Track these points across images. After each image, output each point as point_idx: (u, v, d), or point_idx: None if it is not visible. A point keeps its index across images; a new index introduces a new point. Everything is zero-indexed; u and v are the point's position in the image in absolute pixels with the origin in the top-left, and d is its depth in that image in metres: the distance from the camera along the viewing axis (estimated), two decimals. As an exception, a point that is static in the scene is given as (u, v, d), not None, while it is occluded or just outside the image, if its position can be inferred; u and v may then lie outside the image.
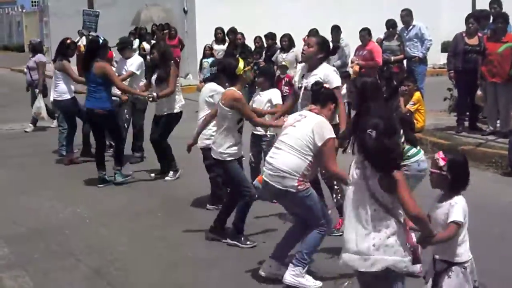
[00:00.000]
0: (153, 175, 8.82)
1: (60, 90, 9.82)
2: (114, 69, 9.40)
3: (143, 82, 9.42)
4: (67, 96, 9.82)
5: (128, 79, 9.49)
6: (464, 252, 3.96)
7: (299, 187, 5.00)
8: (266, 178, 5.11)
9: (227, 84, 6.42)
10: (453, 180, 3.92)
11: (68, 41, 10.14)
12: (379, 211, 3.72)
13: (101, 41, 8.68)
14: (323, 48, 6.20)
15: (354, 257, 3.76)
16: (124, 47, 9.82)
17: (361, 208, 3.74)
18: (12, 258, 6.04)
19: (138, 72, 9.54)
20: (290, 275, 5.11)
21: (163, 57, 8.52)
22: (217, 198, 7.22)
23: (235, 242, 6.09)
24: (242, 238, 6.10)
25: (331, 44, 6.60)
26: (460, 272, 3.92)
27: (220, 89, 6.99)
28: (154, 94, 8.38)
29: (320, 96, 5.31)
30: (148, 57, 18.61)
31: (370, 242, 3.70)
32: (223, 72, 6.44)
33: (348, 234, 3.79)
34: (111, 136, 9.10)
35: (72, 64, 10.24)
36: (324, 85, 5.55)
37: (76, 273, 5.62)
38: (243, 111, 6.04)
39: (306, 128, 5.01)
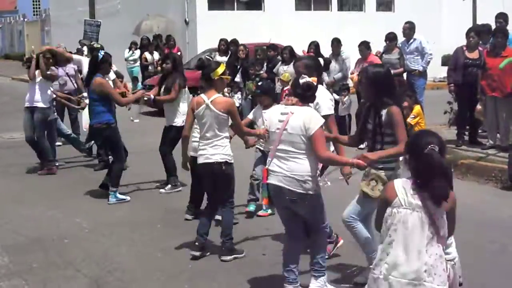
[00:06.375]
0: (164, 189, 8.72)
1: (37, 98, 9.86)
2: None
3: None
4: (41, 105, 9.83)
5: None
6: None
7: (317, 187, 4.97)
8: (281, 184, 4.92)
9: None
10: None
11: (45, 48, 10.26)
12: (433, 235, 3.59)
13: (100, 56, 8.31)
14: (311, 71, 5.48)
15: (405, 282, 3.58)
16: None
17: (416, 232, 3.59)
18: (11, 267, 6.03)
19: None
20: (317, 287, 5.10)
21: (174, 68, 8.48)
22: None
23: (234, 256, 6.04)
24: (237, 250, 6.13)
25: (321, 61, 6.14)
26: None
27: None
28: (152, 96, 8.38)
29: (308, 94, 5.06)
30: (150, 67, 18.82)
31: (423, 267, 3.56)
32: (199, 69, 6.33)
33: (399, 258, 3.60)
34: (111, 153, 8.81)
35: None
36: (310, 81, 5.07)
37: (75, 283, 5.61)
38: (236, 118, 6.08)
39: (297, 127, 4.86)
